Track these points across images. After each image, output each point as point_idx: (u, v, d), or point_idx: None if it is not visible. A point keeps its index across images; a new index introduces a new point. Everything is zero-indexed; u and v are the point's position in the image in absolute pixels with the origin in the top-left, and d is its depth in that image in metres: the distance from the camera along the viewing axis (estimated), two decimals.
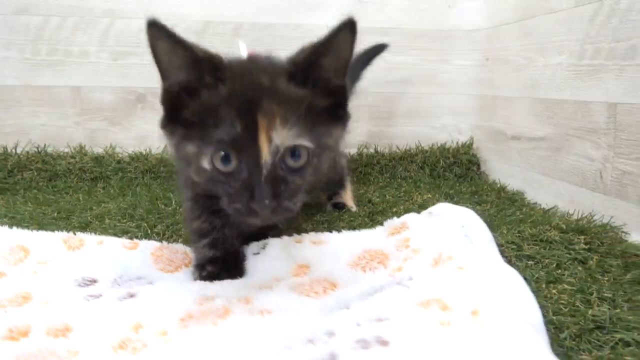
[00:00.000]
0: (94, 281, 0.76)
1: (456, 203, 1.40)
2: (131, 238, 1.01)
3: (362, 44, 1.73)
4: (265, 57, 0.69)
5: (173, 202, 1.33)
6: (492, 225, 1.13)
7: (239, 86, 0.59)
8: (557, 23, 1.28)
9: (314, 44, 0.62)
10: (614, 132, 1.09)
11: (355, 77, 1.44)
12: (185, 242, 1.05)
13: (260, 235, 0.82)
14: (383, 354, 0.47)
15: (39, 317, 0.62)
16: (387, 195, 1.45)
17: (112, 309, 0.66)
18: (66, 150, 1.65)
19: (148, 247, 0.86)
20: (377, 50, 1.53)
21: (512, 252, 0.96)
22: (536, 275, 0.88)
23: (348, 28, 0.61)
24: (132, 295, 0.70)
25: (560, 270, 0.91)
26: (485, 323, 0.49)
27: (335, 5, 1.70)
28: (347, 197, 1.37)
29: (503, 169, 1.59)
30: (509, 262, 0.95)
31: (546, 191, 1.35)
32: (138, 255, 0.84)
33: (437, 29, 1.73)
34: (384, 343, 0.48)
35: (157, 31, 0.59)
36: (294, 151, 0.59)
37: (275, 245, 0.87)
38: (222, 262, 0.76)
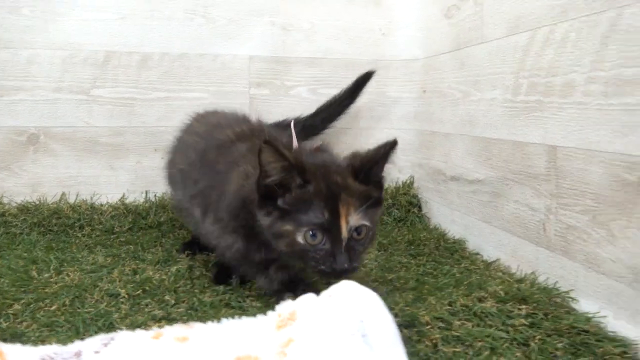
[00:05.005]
0: None
1: (390, 255, 1.25)
2: None
3: (287, 76, 1.59)
4: (329, 157, 0.91)
5: (51, 268, 1.10)
6: (421, 294, 0.96)
7: (322, 185, 0.82)
8: (490, 54, 1.14)
9: (370, 155, 0.86)
10: (555, 179, 0.94)
11: (340, 112, 1.44)
12: (44, 326, 0.83)
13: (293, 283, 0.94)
14: None
15: None
16: None
17: None
18: None
19: None
20: (364, 79, 1.43)
21: (439, 333, 0.79)
22: None
23: (392, 146, 0.85)
24: None
25: (494, 358, 0.73)
26: None
27: (257, 34, 1.54)
28: None
29: (444, 213, 1.43)
30: (434, 346, 0.77)
31: (487, 241, 1.19)
32: None
33: (370, 58, 1.58)
34: None
35: (267, 146, 0.79)
36: (358, 228, 0.82)
37: (125, 342, 0.66)
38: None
